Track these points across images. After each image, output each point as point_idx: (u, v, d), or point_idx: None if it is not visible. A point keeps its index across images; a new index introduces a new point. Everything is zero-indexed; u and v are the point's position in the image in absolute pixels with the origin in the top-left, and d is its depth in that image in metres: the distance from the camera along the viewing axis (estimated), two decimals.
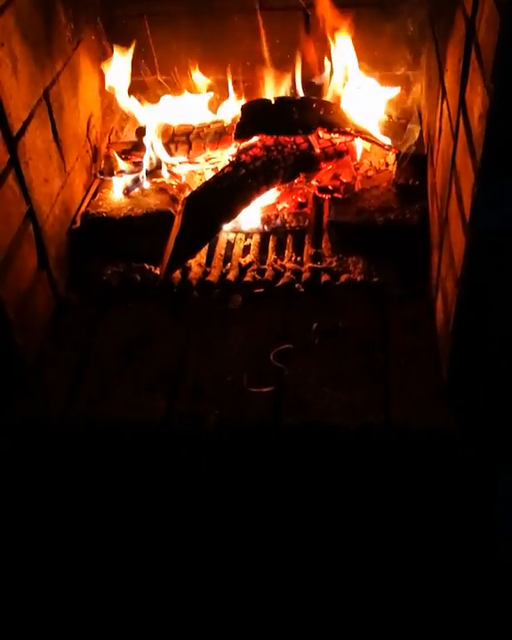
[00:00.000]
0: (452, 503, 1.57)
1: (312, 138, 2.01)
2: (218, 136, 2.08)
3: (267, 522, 1.62)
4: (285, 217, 2.03)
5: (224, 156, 2.08)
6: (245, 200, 1.93)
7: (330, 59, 2.19)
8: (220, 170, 1.95)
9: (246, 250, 2.00)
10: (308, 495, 1.62)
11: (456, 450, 1.55)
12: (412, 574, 1.54)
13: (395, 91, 2.26)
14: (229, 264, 1.95)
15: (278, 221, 2.02)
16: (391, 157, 2.09)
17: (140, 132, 2.14)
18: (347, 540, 1.59)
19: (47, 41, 1.85)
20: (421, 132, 2.10)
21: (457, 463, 1.56)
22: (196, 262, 1.95)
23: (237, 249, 2.00)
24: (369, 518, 1.60)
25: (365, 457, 1.58)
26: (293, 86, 2.21)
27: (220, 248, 2.01)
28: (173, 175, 2.10)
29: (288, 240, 2.00)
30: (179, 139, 2.12)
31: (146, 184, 2.07)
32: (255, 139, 2.00)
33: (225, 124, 2.12)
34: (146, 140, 2.10)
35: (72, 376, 1.73)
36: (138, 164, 2.11)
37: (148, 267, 1.94)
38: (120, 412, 1.64)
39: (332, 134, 2.04)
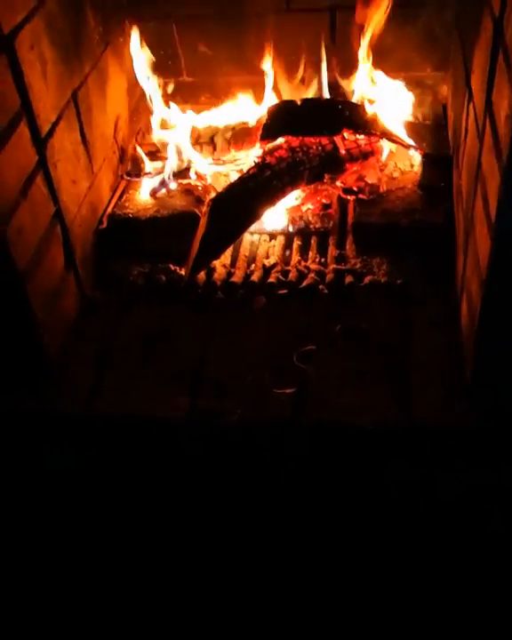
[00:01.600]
0: (471, 504, 1.57)
1: (337, 139, 2.01)
2: (243, 137, 2.10)
3: (286, 519, 1.63)
4: (310, 218, 2.03)
5: (249, 157, 2.09)
6: (270, 201, 1.94)
7: (356, 60, 2.20)
8: (245, 171, 1.97)
9: (270, 251, 2.00)
10: (329, 493, 1.62)
11: (478, 450, 1.55)
12: (430, 574, 1.54)
13: (420, 92, 2.26)
14: (253, 265, 1.96)
15: (302, 222, 2.03)
16: (417, 159, 2.09)
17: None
18: (365, 540, 1.59)
19: (76, 43, 1.87)
20: (447, 134, 2.10)
21: (479, 463, 1.55)
22: (220, 263, 1.96)
23: (262, 250, 2.01)
24: (388, 517, 1.60)
25: (385, 456, 1.59)
26: (319, 88, 2.21)
27: (245, 249, 2.02)
28: (199, 176, 2.11)
29: (312, 241, 2.01)
30: (203, 140, 2.14)
31: (172, 185, 2.09)
32: (280, 140, 2.01)
33: (250, 125, 2.13)
34: (171, 142, 2.12)
35: (95, 371, 1.75)
36: (163, 166, 2.13)
37: (173, 267, 1.96)
38: (143, 407, 1.66)
39: (358, 135, 2.04)
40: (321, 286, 1.88)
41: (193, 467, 1.67)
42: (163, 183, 2.08)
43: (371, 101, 2.17)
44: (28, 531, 1.69)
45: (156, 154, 2.21)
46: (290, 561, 1.59)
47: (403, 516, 1.60)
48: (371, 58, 2.17)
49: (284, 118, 2.02)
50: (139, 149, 2.19)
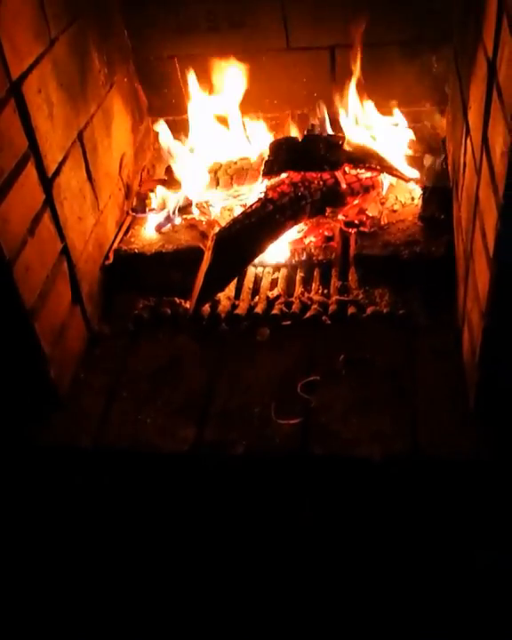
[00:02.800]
0: (478, 530, 1.57)
1: (338, 173, 2.05)
2: (245, 172, 2.14)
3: (294, 549, 1.63)
4: (312, 250, 2.07)
5: (252, 191, 2.13)
6: (273, 235, 1.97)
7: (356, 96, 2.25)
8: (248, 206, 2.00)
9: (274, 283, 2.04)
10: (335, 523, 1.63)
11: (483, 478, 1.56)
12: (439, 608, 1.53)
13: (420, 126, 2.30)
14: (257, 297, 1.99)
15: (305, 255, 2.06)
16: (417, 191, 2.12)
17: (170, 170, 2.21)
18: (373, 568, 1.59)
19: (82, 85, 1.92)
20: (447, 166, 2.14)
21: (484, 491, 1.56)
22: (225, 296, 1.99)
23: (265, 282, 2.04)
24: (395, 546, 1.60)
25: (392, 485, 1.60)
26: (320, 123, 2.26)
27: (249, 281, 2.05)
28: (203, 211, 2.15)
29: (315, 273, 2.04)
30: (207, 176, 2.18)
31: (177, 220, 2.13)
32: (283, 175, 2.05)
33: (252, 161, 2.17)
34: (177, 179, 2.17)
35: (103, 403, 1.78)
36: (169, 202, 2.17)
37: (178, 300, 1.99)
38: (150, 438, 1.69)
39: (358, 170, 2.08)
40: (324, 317, 1.90)
41: (200, 498, 1.68)
42: (168, 218, 2.12)
43: (372, 137, 2.21)
44: (38, 561, 1.69)
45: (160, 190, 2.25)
46: (297, 594, 1.59)
47: (410, 544, 1.60)
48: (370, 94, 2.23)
49: (285, 154, 2.07)
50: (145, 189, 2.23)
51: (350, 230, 2.06)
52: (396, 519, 1.62)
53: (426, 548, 1.58)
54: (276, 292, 1.99)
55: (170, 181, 2.21)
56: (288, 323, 1.91)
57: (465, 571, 1.55)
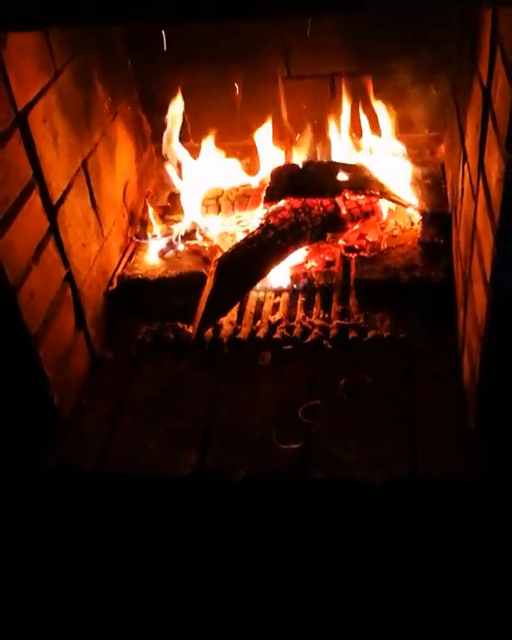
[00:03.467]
0: (480, 553, 1.57)
1: (338, 199, 2.08)
2: (247, 198, 2.17)
3: (295, 574, 1.63)
4: (313, 275, 2.09)
5: (253, 217, 2.16)
6: (274, 260, 1.99)
7: (355, 123, 2.28)
8: (250, 232, 2.03)
9: (276, 307, 2.05)
10: (336, 547, 1.63)
11: (483, 501, 1.56)
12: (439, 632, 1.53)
13: (419, 152, 2.33)
14: (259, 321, 2.01)
15: (306, 280, 2.08)
16: (416, 217, 2.15)
17: (173, 197, 2.24)
18: (373, 593, 1.59)
19: (86, 114, 1.96)
20: (446, 192, 2.17)
21: (484, 514, 1.56)
22: (227, 320, 2.01)
23: (267, 307, 2.06)
24: (396, 570, 1.60)
25: (393, 509, 1.60)
26: (320, 150, 2.29)
27: (251, 306, 2.07)
28: (205, 237, 2.18)
29: (316, 298, 2.06)
30: (209, 202, 2.21)
31: (180, 246, 2.15)
32: (284, 201, 2.08)
33: (253, 187, 2.20)
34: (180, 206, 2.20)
35: (106, 428, 1.79)
36: (172, 228, 2.19)
37: (180, 325, 2.01)
38: (152, 462, 1.69)
39: (358, 196, 2.11)
40: (325, 341, 1.92)
41: (201, 522, 1.68)
42: (170, 244, 2.14)
43: (371, 163, 2.24)
44: (40, 584, 1.69)
45: (164, 216, 2.28)
46: (299, 615, 1.58)
47: (411, 568, 1.60)
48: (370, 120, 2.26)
49: (286, 181, 2.10)
50: (150, 212, 2.25)
51: (351, 255, 2.08)
52: (398, 542, 1.62)
53: (427, 574, 1.58)
54: (277, 316, 2.01)
55: (172, 208, 2.24)
56: (289, 347, 1.93)
57: (469, 594, 1.55)
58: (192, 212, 2.20)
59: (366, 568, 1.61)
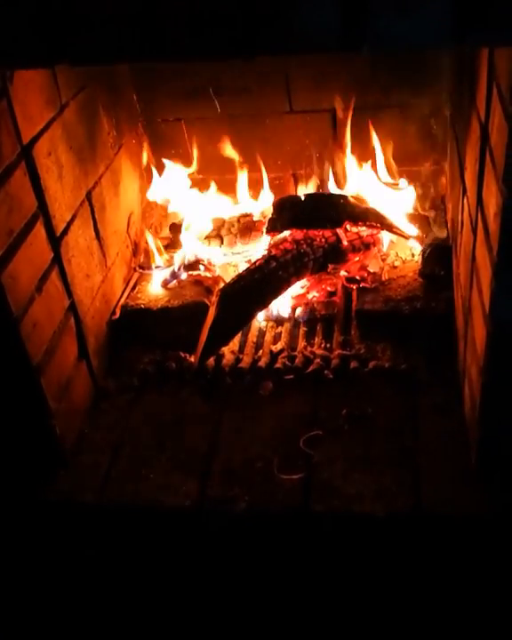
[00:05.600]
0: (482, 589, 1.56)
1: (340, 231, 2.10)
2: (249, 230, 2.19)
3: (295, 606, 1.61)
4: (315, 305, 2.10)
5: (255, 248, 2.18)
6: (276, 291, 2.01)
7: (357, 157, 2.31)
8: (252, 263, 2.05)
9: (277, 337, 2.06)
10: (338, 580, 1.62)
11: (487, 535, 1.55)
12: None
13: (420, 184, 2.36)
14: (261, 351, 2.02)
15: (308, 310, 2.09)
16: (417, 248, 2.16)
17: (175, 228, 2.26)
18: (374, 628, 1.58)
19: (91, 147, 1.99)
20: (447, 223, 2.19)
21: (488, 549, 1.55)
22: (229, 350, 2.02)
23: (269, 336, 2.07)
24: (399, 604, 1.59)
25: (395, 542, 1.59)
26: (322, 183, 2.32)
27: (253, 336, 2.08)
28: (208, 268, 2.20)
29: (318, 328, 2.07)
30: (211, 233, 2.23)
31: (183, 276, 2.17)
32: (286, 232, 2.10)
33: (255, 219, 2.22)
34: (182, 237, 2.22)
35: (108, 459, 1.79)
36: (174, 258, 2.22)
37: (183, 354, 2.02)
38: (153, 494, 1.69)
39: (359, 227, 2.13)
40: (326, 371, 1.92)
41: (202, 554, 1.68)
42: (174, 275, 2.16)
43: (372, 195, 2.26)
44: (41, 616, 1.68)
45: (167, 247, 2.30)
46: None
47: (413, 602, 1.59)
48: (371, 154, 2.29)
49: (288, 212, 2.12)
50: (151, 242, 2.27)
51: (352, 286, 2.09)
52: (399, 577, 1.61)
53: (428, 608, 1.57)
54: (279, 346, 2.02)
55: (175, 239, 2.26)
56: (291, 377, 1.93)
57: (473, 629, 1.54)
58: (194, 243, 2.22)
59: (367, 601, 1.60)
